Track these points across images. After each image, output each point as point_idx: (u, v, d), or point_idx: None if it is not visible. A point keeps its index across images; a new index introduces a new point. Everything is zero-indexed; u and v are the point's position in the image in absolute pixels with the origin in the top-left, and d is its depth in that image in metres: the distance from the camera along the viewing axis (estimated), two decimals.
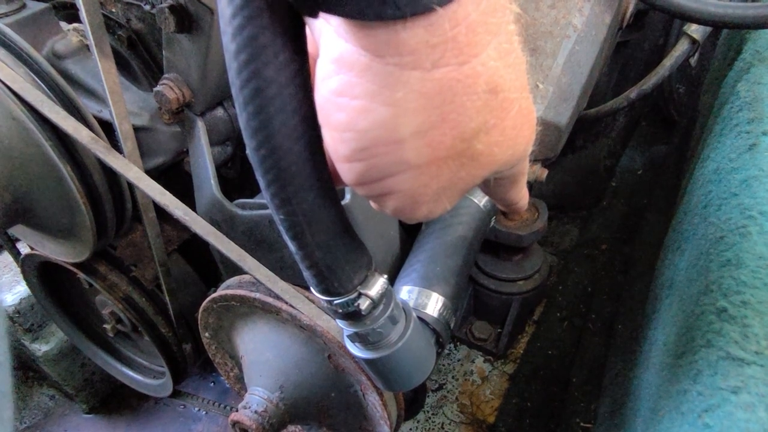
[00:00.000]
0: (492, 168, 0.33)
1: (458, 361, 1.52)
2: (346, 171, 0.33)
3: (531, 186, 1.40)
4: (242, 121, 0.34)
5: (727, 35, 1.15)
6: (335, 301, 0.45)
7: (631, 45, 1.74)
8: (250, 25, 0.30)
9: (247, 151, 0.36)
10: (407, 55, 0.27)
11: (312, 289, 0.45)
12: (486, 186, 0.43)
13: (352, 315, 0.46)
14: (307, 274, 0.43)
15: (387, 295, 0.48)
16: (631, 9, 0.94)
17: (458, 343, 1.55)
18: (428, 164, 0.31)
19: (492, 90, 0.29)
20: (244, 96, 0.33)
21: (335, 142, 0.32)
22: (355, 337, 0.50)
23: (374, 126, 0.30)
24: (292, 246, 0.40)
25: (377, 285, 0.45)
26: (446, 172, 0.32)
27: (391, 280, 0.50)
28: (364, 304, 0.45)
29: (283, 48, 0.32)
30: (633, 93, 1.18)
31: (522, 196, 0.47)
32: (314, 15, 0.29)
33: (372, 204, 0.37)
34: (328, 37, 0.30)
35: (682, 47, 1.08)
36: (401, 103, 0.29)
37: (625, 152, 1.98)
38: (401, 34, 0.27)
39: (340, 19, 0.28)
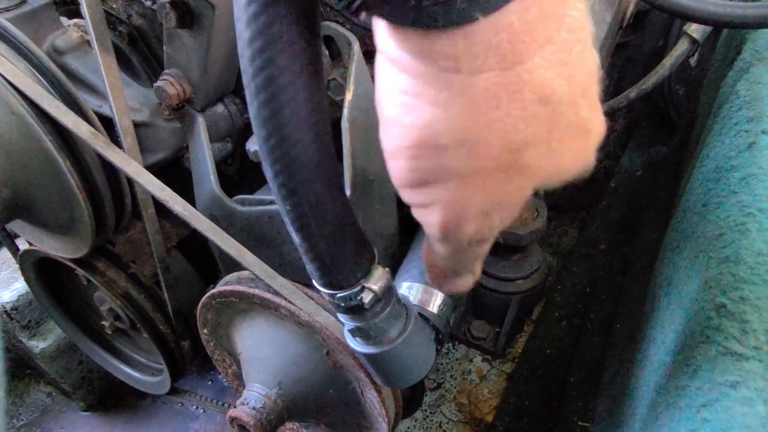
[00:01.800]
0: (540, 181, 0.32)
1: (456, 360, 1.52)
2: (391, 167, 0.33)
3: None
4: (252, 110, 0.34)
5: (727, 35, 1.15)
6: (338, 295, 0.45)
7: (631, 46, 1.74)
8: (266, 12, 0.30)
9: (256, 141, 0.36)
10: (445, 60, 0.27)
11: (314, 282, 0.45)
12: None
13: (355, 309, 0.46)
14: (310, 267, 0.43)
15: (389, 290, 0.48)
16: (631, 8, 0.95)
17: (456, 343, 1.55)
18: (473, 175, 0.30)
19: (541, 100, 0.28)
20: (256, 84, 0.33)
21: (385, 137, 0.32)
22: (357, 332, 0.51)
23: (419, 124, 0.29)
24: (296, 238, 0.40)
25: (380, 279, 0.45)
26: (492, 185, 0.31)
27: (392, 276, 0.50)
28: (367, 298, 0.45)
29: (298, 37, 0.32)
30: (633, 92, 1.18)
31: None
32: (356, 15, 0.30)
33: (421, 221, 0.36)
34: (379, 30, 0.30)
35: (682, 47, 1.08)
36: (445, 104, 0.28)
37: (624, 153, 1.99)
38: (437, 42, 0.26)
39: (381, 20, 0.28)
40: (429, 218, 0.34)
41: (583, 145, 0.32)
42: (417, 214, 0.35)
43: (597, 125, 0.33)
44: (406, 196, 0.34)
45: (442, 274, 0.42)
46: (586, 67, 0.30)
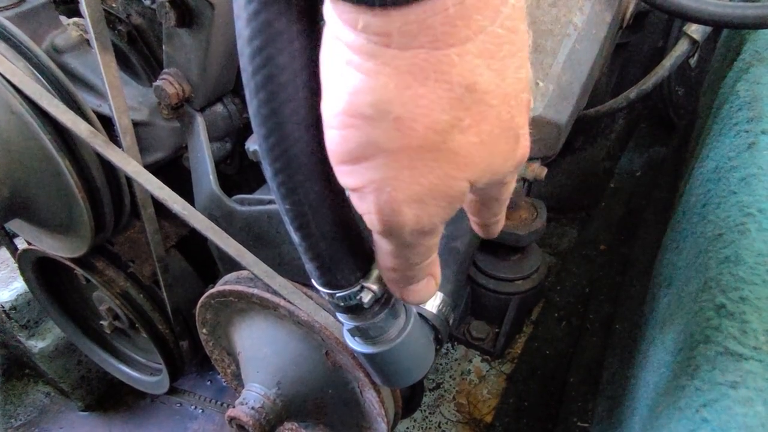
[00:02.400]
0: (472, 173, 0.32)
1: (456, 360, 1.52)
2: (327, 141, 0.33)
3: (530, 185, 1.40)
4: (252, 108, 0.34)
5: (727, 36, 1.15)
6: (337, 294, 0.44)
7: (631, 47, 1.74)
8: (266, 10, 0.30)
9: (255, 140, 0.36)
10: (377, 35, 0.28)
11: (314, 282, 0.45)
12: (468, 202, 0.43)
13: (354, 308, 0.46)
14: (309, 267, 0.43)
15: (389, 290, 0.48)
16: (631, 9, 0.95)
17: (456, 343, 1.55)
18: (399, 151, 0.30)
19: (468, 86, 0.29)
20: (255, 82, 0.33)
21: (322, 105, 0.32)
22: (356, 331, 0.50)
23: (348, 89, 0.30)
24: (296, 237, 0.40)
25: (380, 279, 0.45)
26: (421, 167, 0.31)
27: None
28: (366, 297, 0.45)
29: (298, 35, 0.32)
30: (633, 93, 1.18)
31: (499, 222, 0.46)
32: None
33: (359, 211, 0.36)
34: (325, 4, 0.30)
35: (682, 47, 1.08)
36: (373, 73, 0.29)
37: (624, 154, 1.99)
38: (373, 18, 0.27)
39: None
40: (364, 204, 0.34)
41: (512, 148, 0.33)
42: (354, 202, 0.35)
43: (525, 135, 0.34)
44: (341, 176, 0.34)
45: (398, 280, 0.42)
46: (518, 71, 0.31)
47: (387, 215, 0.33)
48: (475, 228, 0.48)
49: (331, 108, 0.31)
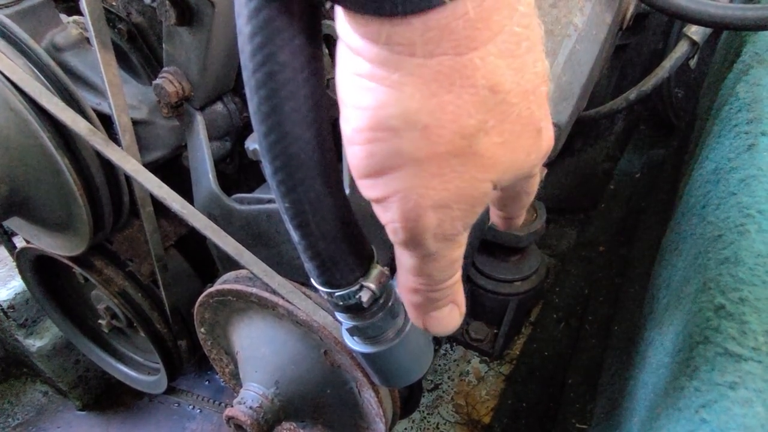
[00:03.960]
0: (496, 173, 0.32)
1: (454, 361, 1.52)
2: (349, 155, 0.33)
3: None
4: (252, 106, 0.34)
5: (727, 37, 1.15)
6: (336, 293, 0.44)
7: (631, 48, 1.74)
8: (267, 7, 0.30)
9: (255, 139, 0.36)
10: (401, 45, 0.28)
11: (313, 280, 0.44)
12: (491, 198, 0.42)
13: (353, 308, 0.46)
14: (309, 265, 0.43)
15: (388, 289, 0.48)
16: (631, 10, 0.95)
17: (454, 344, 1.55)
18: (427, 159, 0.30)
19: (491, 88, 0.29)
20: (256, 80, 0.32)
21: (342, 120, 0.32)
22: (355, 331, 0.50)
23: (373, 105, 0.30)
24: (295, 235, 0.40)
25: (379, 278, 0.45)
26: (448, 173, 0.31)
27: (390, 276, 0.50)
28: (365, 297, 0.44)
29: (299, 32, 0.32)
30: (632, 94, 1.18)
31: (521, 214, 0.46)
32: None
33: (382, 221, 0.36)
34: (339, 17, 0.30)
35: (681, 49, 1.09)
36: (399, 85, 0.29)
37: (623, 155, 1.99)
38: (395, 28, 0.27)
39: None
40: (389, 213, 0.34)
41: (534, 142, 0.33)
42: (377, 211, 0.35)
43: (547, 127, 0.34)
44: (365, 189, 0.34)
45: (421, 303, 0.41)
46: (535, 65, 0.31)
47: (412, 223, 0.33)
48: (498, 221, 0.48)
49: (355, 124, 0.31)
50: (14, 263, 1.22)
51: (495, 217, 0.48)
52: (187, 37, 0.80)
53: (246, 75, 0.33)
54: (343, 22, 0.30)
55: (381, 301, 0.47)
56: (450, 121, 0.29)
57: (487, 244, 1.35)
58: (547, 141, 0.34)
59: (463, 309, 0.43)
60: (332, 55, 0.85)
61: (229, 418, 0.76)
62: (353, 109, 0.31)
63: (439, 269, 0.38)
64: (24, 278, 1.24)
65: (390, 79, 0.29)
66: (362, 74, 0.30)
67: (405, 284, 0.40)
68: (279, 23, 0.31)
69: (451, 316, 0.42)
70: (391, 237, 0.36)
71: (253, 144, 0.88)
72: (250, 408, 0.76)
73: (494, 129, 0.30)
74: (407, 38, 0.27)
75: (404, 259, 0.38)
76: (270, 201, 0.83)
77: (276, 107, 0.33)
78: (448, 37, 0.27)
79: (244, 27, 0.31)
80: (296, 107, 0.33)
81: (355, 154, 0.32)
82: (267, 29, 0.31)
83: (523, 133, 0.32)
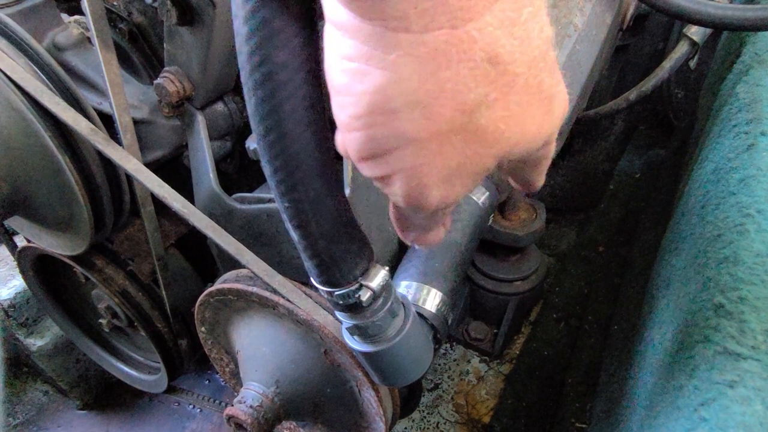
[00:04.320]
0: (501, 147, 0.31)
1: (454, 360, 1.52)
2: (348, 143, 0.32)
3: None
4: (251, 107, 0.34)
5: (727, 38, 1.15)
6: (336, 293, 0.45)
7: (631, 49, 1.75)
8: (264, 8, 0.31)
9: (254, 137, 0.36)
10: (394, 19, 0.27)
11: (313, 280, 0.45)
12: (508, 166, 0.41)
13: (353, 307, 0.46)
14: (308, 265, 0.43)
15: (387, 288, 0.48)
16: (631, 11, 0.95)
17: (454, 343, 1.55)
18: (429, 138, 0.30)
19: (491, 59, 0.28)
20: (254, 80, 0.33)
21: (337, 109, 0.31)
22: (354, 330, 0.50)
23: (369, 90, 0.29)
24: (295, 235, 0.40)
25: (378, 277, 0.45)
26: (450, 150, 0.30)
27: (390, 275, 0.50)
28: (365, 296, 0.45)
29: (297, 33, 0.32)
30: (632, 94, 1.18)
31: (540, 180, 0.45)
32: None
33: (385, 193, 0.36)
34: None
35: (681, 49, 1.09)
36: (394, 66, 0.28)
37: (623, 156, 1.99)
38: (388, 1, 0.26)
39: None
40: (391, 189, 0.33)
41: (546, 112, 0.32)
42: (379, 185, 0.35)
43: (559, 93, 0.33)
44: (366, 169, 0.33)
45: (410, 231, 0.42)
46: (541, 31, 0.30)
47: (415, 198, 0.33)
48: (516, 185, 0.47)
49: (352, 111, 0.30)
50: (15, 262, 1.22)
51: (513, 182, 0.47)
52: (188, 36, 0.80)
53: (244, 76, 0.33)
54: (333, 4, 0.29)
55: (381, 300, 0.47)
56: (449, 98, 0.29)
57: (487, 244, 1.35)
58: (561, 107, 0.33)
59: (449, 226, 0.44)
60: None
61: (230, 417, 0.76)
62: (347, 95, 0.30)
63: (434, 219, 0.39)
64: (25, 277, 1.24)
65: (386, 60, 0.28)
66: (355, 58, 0.29)
67: (398, 219, 0.40)
68: (275, 24, 0.31)
69: (435, 235, 0.43)
70: (393, 200, 0.36)
71: (253, 143, 0.88)
72: (251, 407, 0.76)
73: (498, 102, 0.29)
74: (401, 10, 0.26)
75: (402, 210, 0.38)
76: (270, 200, 0.83)
77: (274, 108, 0.33)
78: (442, 9, 0.26)
79: (241, 28, 0.31)
80: (294, 107, 0.34)
81: (353, 139, 0.31)
82: (264, 30, 0.31)
83: (532, 103, 0.31)
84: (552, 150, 0.39)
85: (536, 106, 0.31)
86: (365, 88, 0.29)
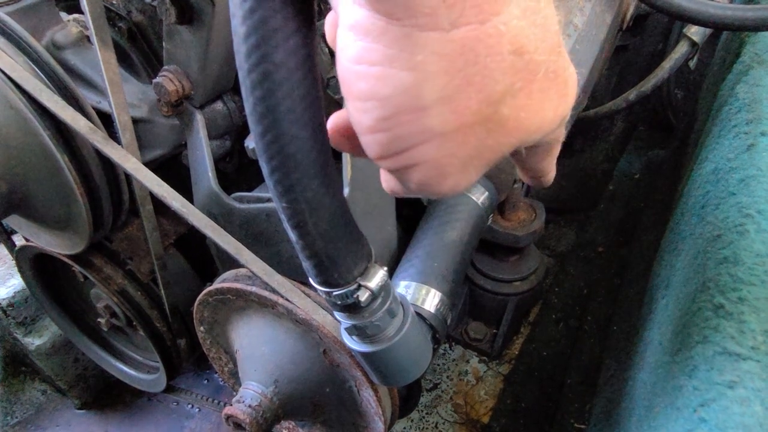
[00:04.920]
0: (520, 135, 0.32)
1: (453, 361, 1.52)
2: (370, 143, 0.32)
3: (529, 186, 1.40)
4: (248, 106, 0.34)
5: (727, 38, 1.15)
6: (334, 293, 0.44)
7: (631, 49, 1.75)
8: (262, 8, 0.30)
9: (252, 137, 0.36)
10: (424, 16, 0.27)
11: (311, 280, 0.45)
12: (518, 154, 0.41)
13: (351, 307, 0.46)
14: (307, 265, 0.43)
15: (386, 288, 0.48)
16: (631, 11, 0.95)
17: (453, 343, 1.55)
18: (454, 131, 0.30)
19: (517, 51, 0.28)
20: (251, 80, 0.32)
21: (358, 113, 0.31)
22: (353, 330, 0.50)
23: (396, 92, 0.29)
24: (293, 235, 0.40)
25: (377, 277, 0.45)
26: (473, 140, 0.31)
27: (389, 275, 0.50)
28: (363, 296, 0.44)
29: (294, 32, 0.32)
30: (632, 94, 1.18)
31: (552, 169, 0.45)
32: None
33: (395, 181, 0.36)
34: (344, 3, 0.29)
35: (681, 49, 1.09)
36: (422, 66, 0.28)
37: (622, 156, 1.99)
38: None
39: None
40: (408, 178, 0.33)
41: (562, 95, 0.32)
42: (394, 174, 0.34)
43: (572, 75, 0.33)
44: (386, 164, 0.33)
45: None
46: (554, 15, 0.30)
47: (431, 187, 0.33)
48: (528, 179, 0.47)
49: (378, 114, 0.30)
50: (14, 261, 1.22)
51: (524, 176, 0.47)
52: (187, 35, 0.80)
53: (241, 75, 0.33)
54: (349, 4, 0.29)
55: (379, 300, 0.47)
56: (477, 91, 0.29)
57: (487, 244, 1.35)
58: (574, 88, 0.33)
59: None
60: (332, 53, 0.85)
61: (228, 417, 0.76)
62: (370, 100, 0.30)
63: None
64: (23, 276, 1.24)
65: (412, 61, 0.28)
66: (377, 61, 0.29)
67: (390, 185, 0.39)
68: (274, 23, 0.31)
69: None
70: (402, 183, 0.35)
71: (252, 143, 0.88)
72: (249, 406, 0.76)
73: (521, 91, 0.30)
74: (431, 6, 0.26)
75: (402, 186, 0.36)
76: (269, 200, 0.83)
77: (271, 107, 0.33)
78: (470, 3, 0.26)
79: (239, 27, 0.31)
80: (292, 107, 0.33)
81: (378, 140, 0.31)
82: (262, 30, 0.31)
83: (551, 88, 0.31)
84: (563, 133, 0.40)
85: (555, 90, 0.31)
86: (391, 91, 0.29)
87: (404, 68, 0.28)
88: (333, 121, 0.39)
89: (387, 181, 0.39)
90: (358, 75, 0.30)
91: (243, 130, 0.99)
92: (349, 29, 0.29)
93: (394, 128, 0.30)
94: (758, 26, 0.76)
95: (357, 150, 0.36)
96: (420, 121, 0.29)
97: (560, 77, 0.32)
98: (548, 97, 0.31)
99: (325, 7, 0.81)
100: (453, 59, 0.28)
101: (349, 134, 0.36)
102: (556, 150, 0.42)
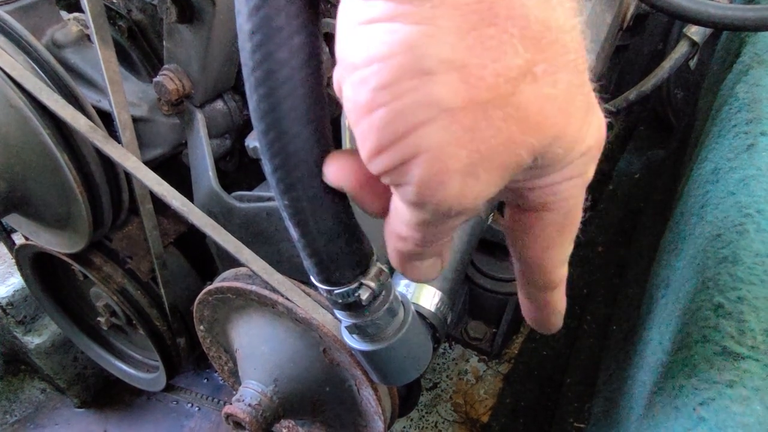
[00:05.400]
0: (542, 134, 0.26)
1: (453, 360, 1.52)
2: (366, 129, 0.27)
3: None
4: (252, 104, 0.34)
5: (727, 38, 1.15)
6: (335, 291, 0.44)
7: (631, 49, 1.75)
8: (267, 5, 0.30)
9: (255, 136, 0.36)
10: None
11: (312, 278, 0.45)
12: (518, 226, 0.34)
13: (352, 305, 0.46)
14: (308, 263, 0.43)
15: (387, 287, 0.48)
16: (631, 10, 0.95)
17: (453, 343, 1.55)
18: (463, 108, 0.25)
19: (543, 21, 0.24)
20: (255, 78, 0.32)
21: (354, 89, 0.27)
22: (354, 329, 0.50)
23: (398, 50, 0.25)
24: (294, 233, 0.40)
25: (378, 275, 0.45)
26: (485, 126, 0.25)
27: (389, 274, 0.50)
28: (364, 295, 0.44)
29: (299, 30, 0.32)
30: (632, 94, 1.18)
31: (558, 268, 0.36)
32: None
33: (394, 193, 0.32)
34: None
35: (681, 49, 1.09)
36: (429, 20, 0.24)
37: (622, 156, 1.99)
38: None
39: None
40: (406, 177, 0.28)
41: (588, 113, 0.28)
42: (391, 179, 0.29)
43: (597, 109, 0.29)
44: (383, 160, 0.28)
45: (405, 254, 0.36)
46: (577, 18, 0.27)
47: (431, 189, 0.27)
48: (523, 296, 0.39)
49: (376, 81, 0.26)
50: (13, 260, 1.22)
51: (523, 287, 0.39)
52: (188, 34, 0.80)
53: (246, 73, 0.33)
54: None
55: (380, 299, 0.47)
56: (492, 59, 0.24)
57: (486, 243, 1.35)
58: (599, 126, 0.28)
59: (447, 261, 0.38)
60: (333, 53, 0.85)
61: (228, 416, 0.76)
62: (369, 64, 0.26)
63: (435, 234, 0.33)
64: (23, 275, 1.24)
65: (419, 13, 0.24)
66: (378, 18, 0.25)
67: (394, 231, 0.35)
68: (278, 21, 0.31)
69: (432, 268, 0.37)
70: (400, 196, 0.30)
71: (253, 142, 0.88)
72: (249, 405, 0.76)
73: (546, 75, 0.25)
74: None
75: (402, 211, 0.32)
76: (270, 199, 0.83)
77: (275, 105, 0.33)
78: None
79: (243, 25, 0.31)
80: (295, 105, 0.33)
81: (374, 122, 0.27)
82: (266, 27, 0.31)
83: (578, 92, 0.27)
84: (580, 199, 0.32)
85: (581, 98, 0.27)
86: (393, 48, 0.25)
87: (408, 22, 0.24)
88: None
89: (387, 228, 0.35)
90: (358, 38, 0.26)
91: (243, 129, 0.99)
92: None
93: (394, 100, 0.26)
94: (758, 26, 0.76)
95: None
96: (424, 88, 0.25)
97: (587, 88, 0.27)
98: (576, 99, 0.27)
99: (330, 8, 0.81)
100: (466, 14, 0.24)
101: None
102: (571, 231, 0.33)
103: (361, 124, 0.28)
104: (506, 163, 0.27)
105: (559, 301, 0.38)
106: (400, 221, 0.33)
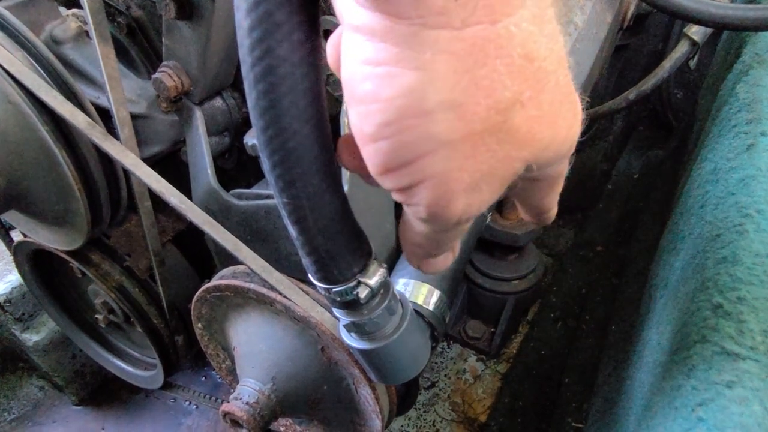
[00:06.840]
0: (533, 148, 0.30)
1: (451, 359, 1.52)
2: (372, 153, 0.30)
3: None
4: (251, 100, 0.34)
5: (727, 38, 1.15)
6: (334, 289, 0.44)
7: (631, 49, 1.75)
8: (266, 1, 0.30)
9: (254, 134, 0.35)
10: (435, 14, 0.26)
11: (310, 276, 0.44)
12: (521, 189, 0.39)
13: (350, 304, 0.46)
14: (306, 261, 0.42)
15: (385, 285, 0.47)
16: (632, 9, 0.95)
17: (451, 342, 1.55)
18: (462, 140, 0.28)
19: (527, 56, 0.27)
20: (255, 74, 0.32)
21: (360, 119, 0.30)
22: (352, 327, 0.50)
23: (400, 93, 0.28)
24: (293, 231, 0.40)
25: (377, 274, 0.45)
26: (483, 152, 0.29)
27: (388, 272, 0.50)
28: (363, 293, 0.44)
29: (298, 27, 0.31)
30: (632, 94, 1.18)
31: (554, 206, 0.43)
32: None
33: (405, 203, 0.34)
34: (347, 3, 0.28)
35: (681, 49, 1.08)
36: (429, 65, 0.27)
37: (622, 156, 1.99)
38: None
39: None
40: (415, 199, 0.31)
41: (574, 113, 0.31)
42: (400, 197, 0.32)
43: (577, 98, 0.32)
44: (390, 181, 0.31)
45: (421, 255, 0.41)
46: (559, 34, 0.30)
47: (441, 208, 0.31)
48: (529, 217, 0.45)
49: (381, 118, 0.29)
50: (11, 257, 1.21)
51: (526, 213, 0.45)
52: (187, 31, 0.80)
53: (245, 69, 0.33)
54: (353, 4, 0.28)
55: (379, 297, 0.47)
56: (485, 96, 0.27)
57: (485, 243, 1.35)
58: (580, 113, 0.32)
59: (457, 251, 0.43)
60: None
61: (226, 414, 0.76)
62: (374, 102, 0.28)
63: (449, 238, 0.38)
64: (21, 272, 1.24)
65: (420, 60, 0.27)
66: (382, 61, 0.28)
67: (409, 240, 0.39)
68: (278, 17, 0.31)
69: (446, 260, 0.42)
70: (411, 215, 0.34)
71: (251, 139, 0.88)
72: (247, 403, 0.76)
73: (531, 101, 0.28)
74: (442, 5, 0.25)
75: (417, 225, 0.36)
76: (268, 197, 0.83)
77: (274, 102, 0.33)
78: (483, 3, 0.26)
79: (243, 21, 0.31)
80: (294, 102, 0.33)
81: (380, 149, 0.30)
82: (266, 23, 0.31)
83: (563, 103, 0.30)
84: (566, 167, 0.38)
85: (566, 107, 0.31)
86: (396, 91, 0.28)
87: (410, 67, 0.27)
88: (343, 139, 0.38)
89: (402, 232, 0.39)
90: (363, 76, 0.29)
91: (242, 127, 0.99)
92: (354, 30, 0.28)
93: (397, 135, 0.29)
94: (759, 26, 0.76)
95: (364, 170, 0.35)
96: (424, 126, 0.28)
97: (572, 95, 0.31)
98: (560, 111, 0.30)
99: (329, 6, 0.81)
100: (462, 58, 0.27)
101: (357, 152, 0.35)
102: (559, 186, 0.40)
103: (366, 149, 0.31)
104: (504, 175, 0.31)
105: (554, 211, 0.45)
106: (413, 232, 0.38)
